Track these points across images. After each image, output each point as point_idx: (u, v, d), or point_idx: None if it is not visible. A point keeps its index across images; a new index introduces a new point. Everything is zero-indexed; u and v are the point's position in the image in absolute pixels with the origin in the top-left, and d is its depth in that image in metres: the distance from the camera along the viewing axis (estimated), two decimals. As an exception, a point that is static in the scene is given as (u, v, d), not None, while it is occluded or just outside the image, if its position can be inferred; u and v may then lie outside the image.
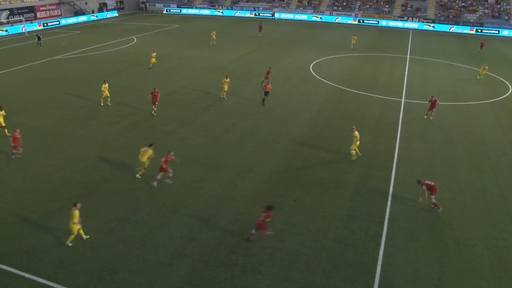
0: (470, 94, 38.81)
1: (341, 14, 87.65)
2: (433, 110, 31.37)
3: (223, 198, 20.34)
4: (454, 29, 79.63)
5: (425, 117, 31.56)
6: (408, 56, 55.14)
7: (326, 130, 28.91)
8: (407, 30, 79.35)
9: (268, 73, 38.37)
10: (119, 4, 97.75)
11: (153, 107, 30.26)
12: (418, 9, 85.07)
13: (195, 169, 23.09)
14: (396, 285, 15.37)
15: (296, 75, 43.09)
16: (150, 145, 21.89)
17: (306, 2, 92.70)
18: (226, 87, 34.57)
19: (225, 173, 22.72)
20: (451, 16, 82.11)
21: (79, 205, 16.36)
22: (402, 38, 69.72)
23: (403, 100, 36.08)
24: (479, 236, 18.45)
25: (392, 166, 24.29)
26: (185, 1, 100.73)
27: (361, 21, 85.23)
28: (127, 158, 23.93)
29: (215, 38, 59.51)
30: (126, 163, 23.43)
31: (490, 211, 20.32)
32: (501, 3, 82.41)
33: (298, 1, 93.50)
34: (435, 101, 31.21)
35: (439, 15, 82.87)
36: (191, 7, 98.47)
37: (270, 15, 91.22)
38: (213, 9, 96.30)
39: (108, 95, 32.17)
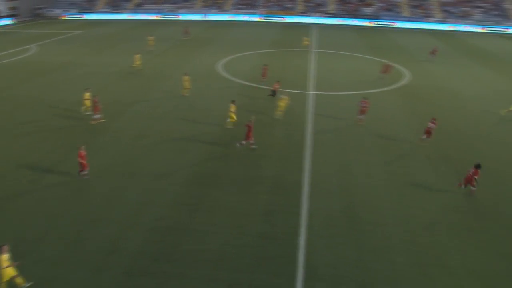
0: (373, 83, 41.14)
1: (246, 12, 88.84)
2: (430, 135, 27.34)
3: (141, 206, 19.78)
4: (354, 22, 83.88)
5: (425, 144, 27.46)
6: (313, 50, 57.21)
7: (239, 128, 29.13)
8: (310, 25, 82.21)
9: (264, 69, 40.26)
10: (12, 11, 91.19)
11: (94, 115, 29.42)
12: (319, 4, 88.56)
13: (109, 178, 22.22)
14: (320, 271, 15.87)
15: (206, 75, 43.00)
16: (232, 101, 28.99)
17: (211, 2, 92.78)
18: (187, 85, 35.75)
19: (140, 180, 22.09)
20: (350, 10, 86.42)
21: (5, 248, 14.19)
22: (306, 33, 72.09)
23: (311, 92, 37.40)
24: (390, 214, 19.62)
25: (305, 156, 25.09)
26: (86, 6, 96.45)
27: (266, 18, 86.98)
28: (36, 172, 22.41)
29: (152, 43, 56.88)
30: (34, 178, 21.94)
31: (399, 191, 21.72)
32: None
33: (203, 1, 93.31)
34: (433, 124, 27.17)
35: (339, 9, 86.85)
36: (94, 12, 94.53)
37: (203, 16, 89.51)
38: (117, 12, 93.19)
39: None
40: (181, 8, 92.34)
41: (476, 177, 21.25)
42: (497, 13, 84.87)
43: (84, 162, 21.65)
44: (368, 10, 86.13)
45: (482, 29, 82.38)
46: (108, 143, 26.55)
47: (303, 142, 27.05)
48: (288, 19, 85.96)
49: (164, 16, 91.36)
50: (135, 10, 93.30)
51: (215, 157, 24.88)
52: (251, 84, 39.83)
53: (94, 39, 66.00)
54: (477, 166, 21.31)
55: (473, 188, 21.56)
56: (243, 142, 25.74)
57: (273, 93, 35.29)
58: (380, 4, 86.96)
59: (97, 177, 22.25)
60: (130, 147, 25.94)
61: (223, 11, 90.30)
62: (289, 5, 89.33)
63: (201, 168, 23.51)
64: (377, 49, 58.34)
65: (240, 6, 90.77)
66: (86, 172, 22.06)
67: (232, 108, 28.52)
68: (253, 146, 25.92)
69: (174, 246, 17.08)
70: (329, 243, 17.51)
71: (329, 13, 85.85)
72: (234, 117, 28.59)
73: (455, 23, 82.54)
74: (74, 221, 18.49)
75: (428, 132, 27.23)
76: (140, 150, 25.52)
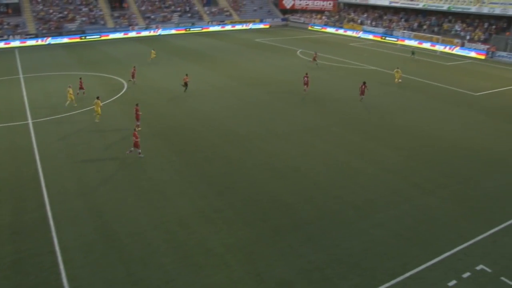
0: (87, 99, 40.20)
1: None
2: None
3: None
4: (61, 40, 79.67)
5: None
6: (21, 75, 51.97)
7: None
8: (12, 49, 74.16)
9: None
10: None
11: None
12: (17, 26, 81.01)
13: None
14: (91, 301, 15.08)
15: None
16: (97, 98, 32.50)
17: None
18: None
19: None
20: (53, 28, 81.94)
21: None
22: (9, 58, 64.66)
23: (30, 121, 34.12)
24: (146, 220, 20.02)
25: (42, 190, 23.02)
26: None
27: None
28: None
29: None
30: None
31: (147, 195, 22.33)
32: (94, 10, 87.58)
33: None
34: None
35: (40, 28, 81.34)
36: None
37: None
38: None
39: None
40: None
41: (363, 90, 37.45)
42: (191, 15, 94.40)
43: None
44: (72, 25, 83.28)
45: (184, 30, 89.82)
46: None
47: (36, 176, 24.69)
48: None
49: None
50: None
51: None
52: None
53: None
54: (364, 82, 37.46)
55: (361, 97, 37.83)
56: (132, 149, 26.59)
57: (186, 84, 40.92)
58: (83, 19, 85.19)
59: None
60: None
61: None
62: (-22, 30, 78.83)
63: None
64: (90, 64, 57.23)
65: None
66: None
67: (98, 103, 32.27)
68: (141, 155, 26.73)
69: None
70: (93, 269, 16.81)
71: (30, 34, 79.51)
72: (99, 111, 32.38)
73: (158, 28, 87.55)
74: None
75: (306, 84, 40.19)
76: None
